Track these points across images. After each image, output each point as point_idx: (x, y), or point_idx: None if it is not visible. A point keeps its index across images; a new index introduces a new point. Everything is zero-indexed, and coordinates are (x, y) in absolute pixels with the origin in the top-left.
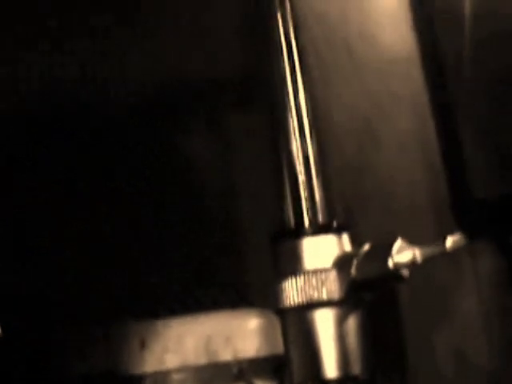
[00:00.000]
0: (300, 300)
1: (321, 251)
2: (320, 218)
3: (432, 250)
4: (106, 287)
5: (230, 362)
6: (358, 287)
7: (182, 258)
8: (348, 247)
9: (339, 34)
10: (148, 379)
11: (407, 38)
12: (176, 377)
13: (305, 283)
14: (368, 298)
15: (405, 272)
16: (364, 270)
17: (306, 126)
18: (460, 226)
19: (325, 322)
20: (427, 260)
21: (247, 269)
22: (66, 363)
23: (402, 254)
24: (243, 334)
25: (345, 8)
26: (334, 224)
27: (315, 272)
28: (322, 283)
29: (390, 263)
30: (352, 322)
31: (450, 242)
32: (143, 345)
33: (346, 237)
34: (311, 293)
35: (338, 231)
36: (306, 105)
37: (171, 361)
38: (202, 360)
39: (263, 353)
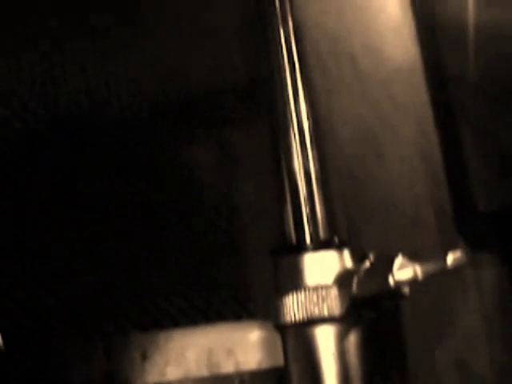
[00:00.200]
0: (301, 316)
1: (322, 267)
2: (321, 233)
3: (433, 266)
4: (109, 299)
5: (232, 374)
6: (359, 304)
7: (186, 270)
8: (349, 263)
9: (343, 46)
10: None
11: (410, 50)
12: None
13: (306, 299)
14: (369, 315)
15: (406, 289)
16: (365, 287)
17: (308, 143)
18: (462, 237)
19: (325, 339)
20: (428, 277)
21: (250, 282)
22: (68, 374)
23: (403, 271)
24: (245, 347)
25: (349, 20)
26: (336, 240)
27: (316, 288)
28: (323, 299)
29: (391, 281)
30: (353, 339)
31: (451, 258)
32: (145, 356)
33: (347, 253)
34: (312, 309)
35: (339, 247)
36: (308, 121)
37: (173, 373)
38: (204, 372)
39: (265, 365)
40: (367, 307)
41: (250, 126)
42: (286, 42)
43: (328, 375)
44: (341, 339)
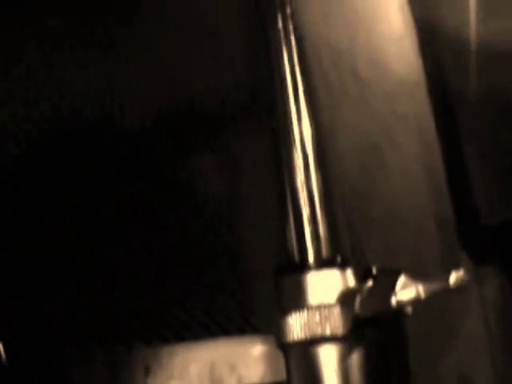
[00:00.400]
0: (303, 335)
1: (325, 286)
2: (324, 252)
3: (436, 286)
4: (111, 313)
5: None
6: (362, 323)
7: (189, 284)
8: (352, 282)
9: (346, 59)
10: None
11: (413, 63)
12: None
13: (308, 318)
14: (371, 334)
15: (408, 309)
16: (367, 306)
17: (311, 159)
18: (465, 249)
19: (328, 358)
20: (431, 296)
21: (253, 295)
22: None
23: (406, 291)
24: (248, 361)
25: (352, 33)
26: (338, 259)
27: (319, 307)
28: (326, 319)
29: (394, 301)
30: (355, 358)
31: (453, 278)
32: (148, 371)
33: (349, 271)
34: (315, 328)
35: (341, 266)
36: (311, 136)
37: None
38: None
39: (267, 380)
40: (370, 326)
41: (252, 135)
42: (288, 54)
43: None
44: (344, 358)
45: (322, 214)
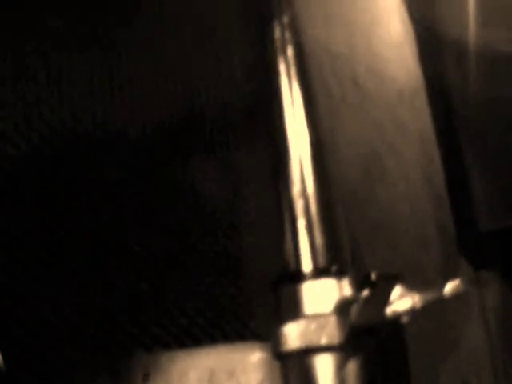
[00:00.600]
0: (300, 345)
1: (321, 295)
2: (320, 262)
3: (431, 296)
4: (112, 319)
5: None
6: (358, 332)
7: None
8: (348, 291)
9: (347, 68)
10: None
11: (413, 71)
12: None
13: (305, 328)
14: (368, 343)
15: (404, 318)
16: (364, 315)
17: (308, 170)
18: (465, 256)
19: (325, 367)
20: (426, 306)
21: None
22: None
23: (401, 301)
24: (246, 368)
25: (352, 42)
26: (334, 268)
27: (315, 317)
28: (322, 328)
29: (389, 311)
30: (352, 367)
31: (449, 288)
32: (147, 378)
33: (346, 281)
34: (311, 337)
35: (338, 275)
36: (310, 145)
37: None
38: None
39: None
40: (366, 335)
41: (252, 144)
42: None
43: None
44: (340, 367)
45: (318, 224)
